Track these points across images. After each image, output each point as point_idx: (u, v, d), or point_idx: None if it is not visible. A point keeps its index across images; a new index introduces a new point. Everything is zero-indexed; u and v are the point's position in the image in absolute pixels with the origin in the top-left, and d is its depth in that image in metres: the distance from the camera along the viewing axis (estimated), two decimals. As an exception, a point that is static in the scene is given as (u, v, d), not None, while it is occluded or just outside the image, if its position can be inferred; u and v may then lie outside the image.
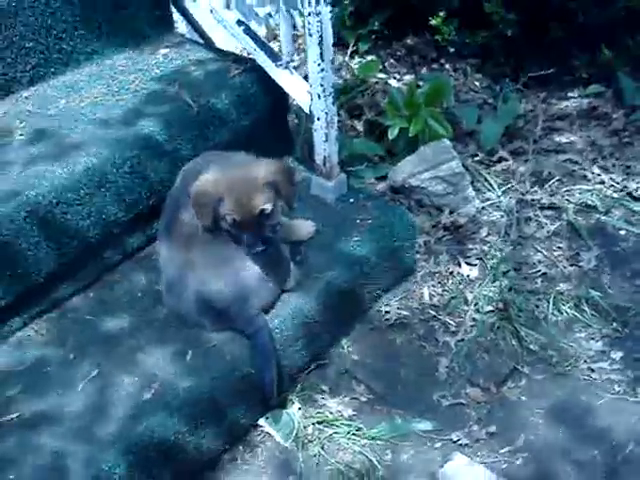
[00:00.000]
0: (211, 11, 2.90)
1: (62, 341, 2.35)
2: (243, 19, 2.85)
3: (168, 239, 2.35)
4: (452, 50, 3.79)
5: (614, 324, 2.57)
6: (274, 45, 3.61)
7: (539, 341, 2.54)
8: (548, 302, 2.64)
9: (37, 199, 2.30)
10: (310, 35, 2.45)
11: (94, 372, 2.24)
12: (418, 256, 2.80)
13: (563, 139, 3.33)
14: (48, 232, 2.33)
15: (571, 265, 2.78)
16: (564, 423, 2.32)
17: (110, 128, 2.57)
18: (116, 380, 2.21)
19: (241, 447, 2.32)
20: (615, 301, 2.63)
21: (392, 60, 3.87)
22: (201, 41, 3.22)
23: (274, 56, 2.75)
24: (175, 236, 2.31)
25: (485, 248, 2.85)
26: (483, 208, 3.01)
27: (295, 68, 2.84)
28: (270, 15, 2.96)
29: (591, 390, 2.40)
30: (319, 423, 2.35)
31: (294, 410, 2.37)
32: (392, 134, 3.07)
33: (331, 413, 2.37)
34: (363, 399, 2.43)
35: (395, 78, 3.74)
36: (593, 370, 2.45)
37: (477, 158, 3.21)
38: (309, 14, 2.41)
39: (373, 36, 3.91)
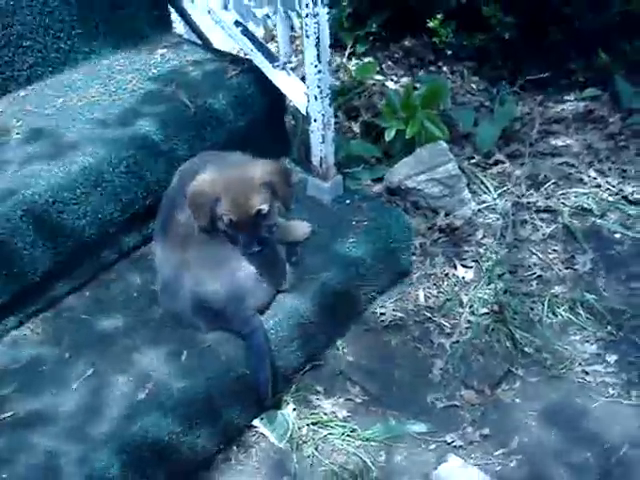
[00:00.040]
0: (209, 12, 2.90)
1: (57, 340, 2.35)
2: (241, 20, 2.86)
3: (164, 239, 2.35)
4: (449, 52, 3.79)
5: (609, 327, 2.57)
6: (272, 46, 3.61)
7: (534, 343, 2.54)
8: (543, 305, 2.65)
9: (33, 198, 2.30)
10: (307, 36, 2.45)
11: (89, 371, 2.24)
12: (414, 258, 2.80)
13: (559, 142, 3.34)
14: (44, 231, 2.33)
15: (566, 268, 2.79)
16: (558, 425, 2.32)
17: (107, 128, 2.57)
18: (111, 380, 2.21)
19: (235, 447, 2.32)
20: (610, 304, 2.63)
21: (389, 62, 3.87)
22: (199, 42, 3.22)
23: (271, 57, 2.76)
24: (171, 236, 2.31)
25: (481, 250, 2.85)
26: (479, 210, 3.02)
27: (293, 69, 2.85)
28: (268, 16, 2.97)
29: (585, 393, 2.40)
30: (313, 424, 2.35)
31: (289, 411, 2.37)
32: (389, 136, 3.08)
33: (325, 414, 2.37)
34: (358, 400, 2.43)
35: (392, 80, 3.75)
36: (587, 373, 2.45)
37: (473, 160, 3.22)
38: (306, 15, 2.41)
39: (371, 38, 3.91)
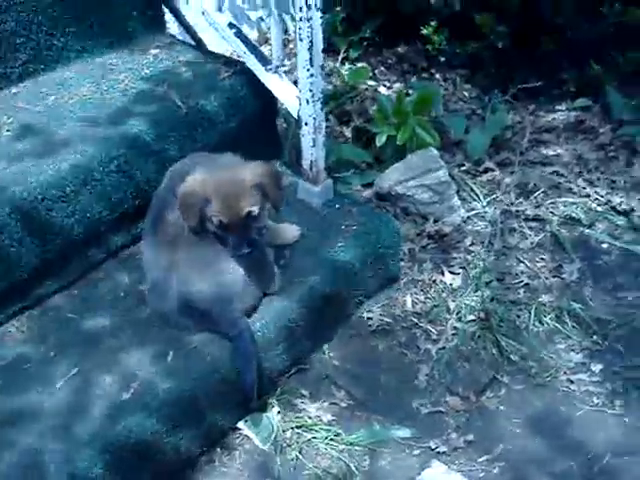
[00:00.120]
0: (203, 13, 2.90)
1: (43, 338, 2.34)
2: (235, 22, 2.86)
3: (153, 239, 2.34)
4: (442, 60, 3.80)
5: (594, 336, 2.59)
6: (265, 49, 3.61)
7: (519, 351, 2.55)
8: (529, 313, 2.66)
9: (22, 195, 2.30)
10: (301, 40, 2.46)
11: (74, 370, 2.23)
12: (402, 263, 2.81)
13: (550, 152, 3.35)
14: (32, 228, 2.33)
15: (553, 277, 2.80)
16: (542, 433, 2.33)
17: (98, 126, 2.57)
18: (96, 379, 2.20)
19: (219, 449, 2.32)
20: (596, 314, 2.65)
21: (382, 68, 3.88)
22: (192, 43, 3.21)
23: (264, 60, 2.76)
24: (160, 236, 2.31)
25: (469, 257, 2.86)
26: (468, 218, 3.03)
27: (286, 73, 2.85)
28: (262, 19, 2.96)
29: (570, 401, 2.41)
30: (298, 427, 2.35)
31: (273, 414, 2.37)
32: (380, 141, 3.09)
33: (310, 418, 2.37)
34: (343, 405, 2.43)
35: (385, 86, 3.76)
36: (572, 382, 2.46)
37: (464, 168, 3.23)
38: (300, 19, 2.42)
39: (364, 43, 3.92)
